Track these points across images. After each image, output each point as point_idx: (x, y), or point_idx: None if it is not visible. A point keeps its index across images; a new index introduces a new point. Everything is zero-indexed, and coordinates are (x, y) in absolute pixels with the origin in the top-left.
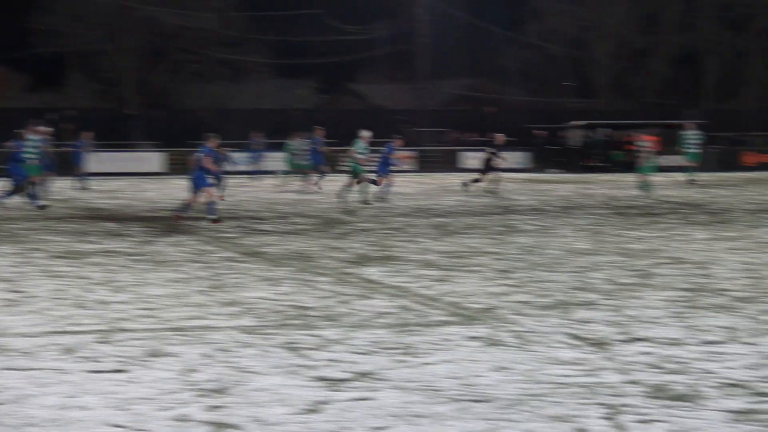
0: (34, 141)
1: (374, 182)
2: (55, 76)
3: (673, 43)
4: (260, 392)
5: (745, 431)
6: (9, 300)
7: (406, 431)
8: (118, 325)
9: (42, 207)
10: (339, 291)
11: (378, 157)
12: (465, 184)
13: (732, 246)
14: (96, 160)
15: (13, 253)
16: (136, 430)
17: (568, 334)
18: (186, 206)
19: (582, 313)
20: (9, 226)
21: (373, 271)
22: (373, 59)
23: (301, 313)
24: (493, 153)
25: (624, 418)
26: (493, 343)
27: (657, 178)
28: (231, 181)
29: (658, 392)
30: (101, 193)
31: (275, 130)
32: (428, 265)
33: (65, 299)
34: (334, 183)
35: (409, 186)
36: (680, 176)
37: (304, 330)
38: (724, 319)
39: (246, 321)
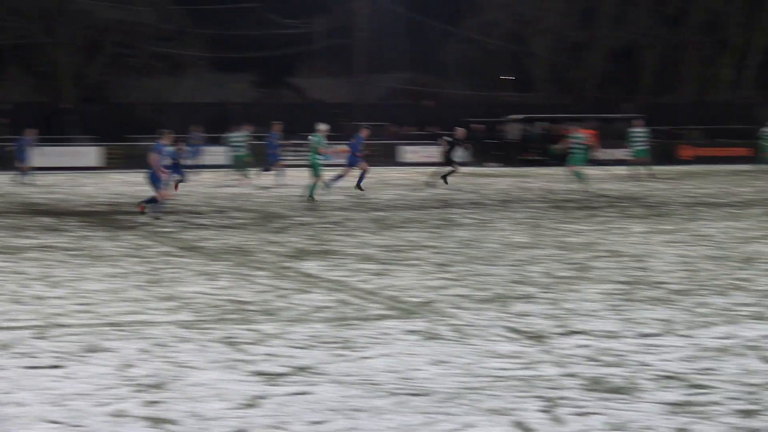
0: None
1: (328, 182)
2: None
3: (611, 38)
4: (198, 387)
5: (681, 423)
6: None
7: (345, 425)
8: (54, 321)
9: None
10: (277, 285)
11: (347, 150)
12: (443, 178)
13: (669, 239)
14: (35, 155)
15: None
16: (72, 426)
17: (506, 328)
18: (159, 203)
19: (520, 307)
20: None
21: (311, 266)
22: (312, 53)
23: (239, 307)
24: (451, 146)
25: (561, 411)
26: (432, 336)
27: (595, 171)
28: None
29: (595, 385)
30: (38, 188)
31: (213, 124)
32: (367, 259)
33: (1, 295)
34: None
35: (348, 180)
36: (620, 170)
37: (242, 324)
38: (661, 312)
39: (183, 316)
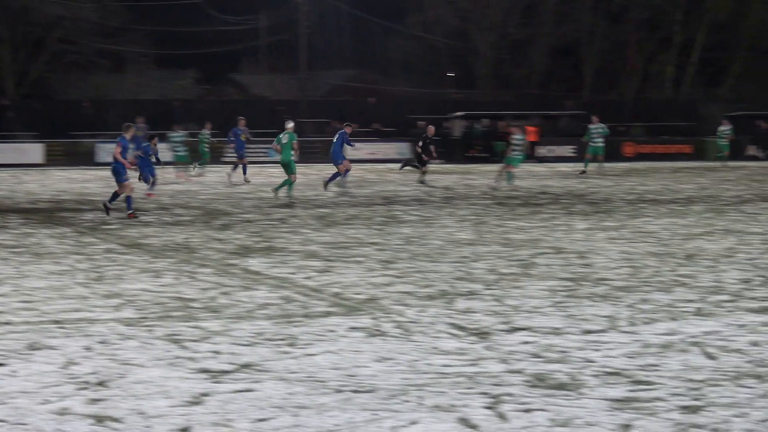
0: None
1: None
2: None
3: (553, 35)
4: (142, 385)
5: (625, 419)
6: None
7: (289, 422)
8: None
9: None
10: (221, 282)
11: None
12: (420, 177)
13: (612, 236)
14: None
15: None
16: (15, 424)
17: (451, 324)
18: (128, 200)
19: (464, 303)
20: None
21: (255, 263)
22: (255, 49)
23: (183, 304)
24: (423, 143)
25: (506, 408)
26: (376, 333)
27: (538, 168)
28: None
29: (540, 381)
30: None
31: (156, 120)
32: (311, 256)
33: None
34: (218, 174)
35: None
36: (563, 167)
37: (186, 322)
38: (605, 309)
39: (127, 313)
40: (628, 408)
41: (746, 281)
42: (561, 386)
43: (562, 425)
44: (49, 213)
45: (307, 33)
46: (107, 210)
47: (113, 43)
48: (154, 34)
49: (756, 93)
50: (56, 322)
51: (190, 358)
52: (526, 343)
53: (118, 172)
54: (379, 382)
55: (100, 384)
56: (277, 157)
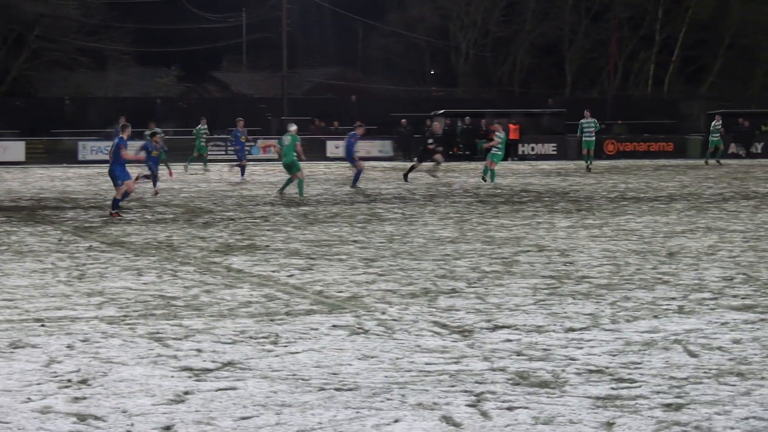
0: None
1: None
2: None
3: (534, 33)
4: (124, 383)
5: (607, 417)
6: None
7: (272, 420)
8: None
9: None
10: (204, 280)
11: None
12: (432, 174)
13: (594, 234)
14: None
15: None
16: None
17: (434, 322)
18: (115, 201)
19: (447, 301)
20: None
21: (237, 261)
22: (237, 47)
23: (165, 302)
24: (431, 141)
25: (488, 406)
26: (359, 331)
27: (520, 166)
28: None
29: (522, 379)
30: None
31: (138, 118)
32: (293, 254)
33: None
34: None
35: (274, 175)
36: (545, 165)
37: (168, 320)
38: (587, 306)
39: (109, 311)
40: (611, 406)
41: (728, 279)
42: (544, 384)
43: (545, 423)
44: (30, 211)
45: (289, 31)
46: (115, 215)
47: (94, 41)
48: (135, 31)
49: (736, 91)
50: (38, 320)
51: (173, 357)
52: (509, 341)
53: (116, 175)
54: (361, 380)
55: (83, 382)
56: (270, 155)
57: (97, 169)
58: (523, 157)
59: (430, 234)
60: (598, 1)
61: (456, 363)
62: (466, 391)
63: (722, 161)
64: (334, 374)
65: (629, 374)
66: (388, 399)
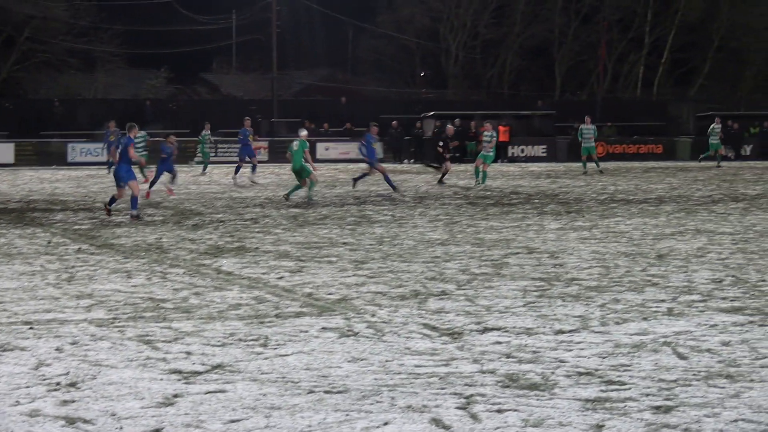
0: None
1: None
2: None
3: (524, 35)
4: (113, 386)
5: (597, 419)
6: None
7: (262, 423)
8: None
9: None
10: (193, 283)
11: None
12: (439, 180)
13: (583, 236)
14: None
15: None
16: None
17: (423, 325)
18: (113, 199)
19: (437, 303)
20: None
21: (227, 263)
22: (227, 49)
23: (154, 305)
24: (441, 145)
25: (478, 408)
26: (348, 334)
27: (510, 168)
28: (85, 172)
29: (512, 381)
30: None
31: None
32: (283, 256)
33: None
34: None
35: (264, 177)
36: (534, 167)
37: (157, 322)
38: (577, 308)
39: (99, 314)
40: (600, 408)
41: (717, 281)
42: (533, 386)
43: (535, 426)
44: (19, 213)
45: (279, 32)
46: (137, 217)
47: (84, 43)
48: (124, 33)
49: (726, 93)
50: (27, 323)
51: (162, 359)
52: (499, 343)
53: (121, 176)
54: (351, 382)
55: (72, 385)
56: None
57: (86, 171)
58: (513, 159)
59: (419, 236)
60: (587, 4)
61: (445, 365)
62: (455, 394)
63: (719, 164)
64: (324, 377)
65: (618, 376)
66: (377, 401)
